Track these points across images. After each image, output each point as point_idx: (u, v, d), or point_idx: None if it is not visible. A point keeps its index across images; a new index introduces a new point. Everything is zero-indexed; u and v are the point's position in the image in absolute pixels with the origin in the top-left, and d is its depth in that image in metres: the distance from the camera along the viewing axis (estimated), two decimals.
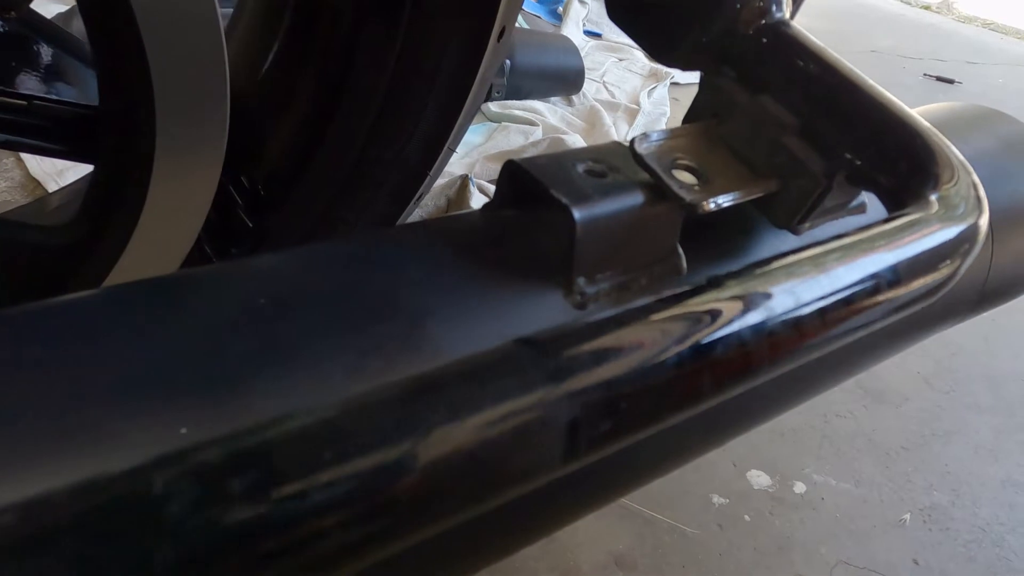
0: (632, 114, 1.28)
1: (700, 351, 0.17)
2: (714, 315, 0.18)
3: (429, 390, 0.13)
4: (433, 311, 0.20)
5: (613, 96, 1.34)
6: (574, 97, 1.25)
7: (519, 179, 0.23)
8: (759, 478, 0.60)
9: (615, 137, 1.13)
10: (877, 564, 0.54)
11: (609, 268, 0.22)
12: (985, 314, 0.41)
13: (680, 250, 0.23)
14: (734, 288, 0.18)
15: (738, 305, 0.18)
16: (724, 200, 0.23)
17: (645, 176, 0.23)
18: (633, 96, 1.35)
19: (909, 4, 2.68)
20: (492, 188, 0.91)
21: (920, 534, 0.57)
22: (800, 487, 0.59)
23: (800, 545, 0.54)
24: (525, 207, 0.24)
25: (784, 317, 0.17)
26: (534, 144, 1.01)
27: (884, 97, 0.22)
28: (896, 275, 0.17)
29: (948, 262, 0.18)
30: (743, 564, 0.52)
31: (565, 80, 1.18)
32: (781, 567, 0.53)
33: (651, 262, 0.23)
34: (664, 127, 1.23)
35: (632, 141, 0.23)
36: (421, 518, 0.12)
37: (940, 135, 0.21)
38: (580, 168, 0.23)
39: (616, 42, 1.54)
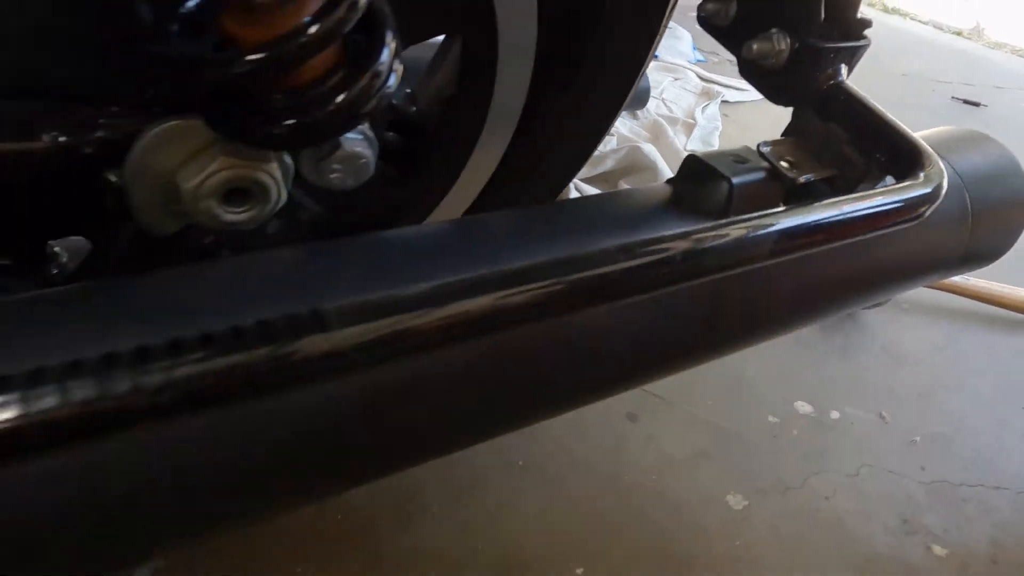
0: (689, 127, 1.48)
1: (779, 236, 0.36)
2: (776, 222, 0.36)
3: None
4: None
5: (671, 111, 1.54)
6: (638, 112, 1.44)
7: (696, 165, 0.43)
8: (804, 407, 0.78)
9: (678, 147, 1.32)
10: (892, 468, 0.72)
11: None
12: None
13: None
14: (799, 213, 0.37)
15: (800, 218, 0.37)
16: (806, 178, 0.43)
17: (765, 164, 0.43)
18: (689, 112, 1.55)
19: (941, 29, 2.84)
20: (584, 186, 1.11)
21: (927, 451, 0.75)
22: (835, 415, 0.78)
23: (834, 453, 0.73)
24: (697, 181, 0.43)
25: (824, 221, 0.36)
26: (613, 151, 1.21)
27: (897, 124, 0.41)
28: (899, 205, 0.36)
29: (926, 205, 0.37)
30: (792, 462, 0.71)
31: (634, 97, 1.37)
32: (821, 465, 0.71)
33: None
34: (716, 141, 1.41)
35: (759, 145, 0.43)
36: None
37: (925, 144, 0.40)
38: (730, 159, 0.43)
39: (672, 63, 1.74)
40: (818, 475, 0.70)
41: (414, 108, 0.50)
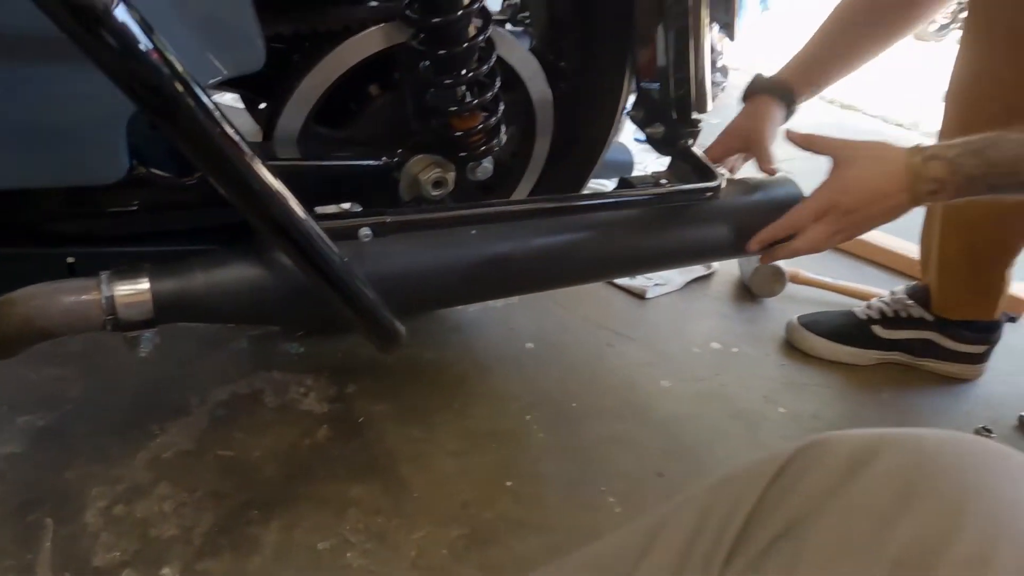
0: None
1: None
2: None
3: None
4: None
5: None
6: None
7: (626, 182, 0.97)
8: (715, 345, 1.28)
9: None
10: (766, 376, 1.21)
11: None
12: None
13: None
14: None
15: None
16: (672, 185, 0.96)
17: (652, 180, 0.96)
18: None
19: (887, 122, 3.44)
20: None
21: (788, 370, 1.24)
22: (735, 350, 1.28)
23: (731, 368, 1.22)
24: (627, 185, 0.96)
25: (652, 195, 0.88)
26: None
27: (708, 162, 0.93)
28: (692, 191, 0.88)
29: (709, 193, 0.89)
30: (703, 369, 1.20)
31: (622, 168, 1.93)
32: (723, 371, 1.20)
33: None
34: None
35: (652, 172, 0.97)
36: None
37: (716, 170, 0.92)
38: (648, 179, 0.97)
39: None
40: (718, 376, 1.20)
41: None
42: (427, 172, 0.84)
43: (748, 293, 1.47)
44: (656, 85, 0.94)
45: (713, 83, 3.15)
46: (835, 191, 0.82)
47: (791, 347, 1.31)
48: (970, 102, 1.05)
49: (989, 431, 0.93)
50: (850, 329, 1.27)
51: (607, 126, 1.03)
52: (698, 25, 0.91)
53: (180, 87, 0.46)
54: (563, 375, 1.13)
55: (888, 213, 0.82)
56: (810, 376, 1.24)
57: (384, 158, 0.83)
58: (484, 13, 0.72)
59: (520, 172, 0.98)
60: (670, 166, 1.00)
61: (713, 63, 3.33)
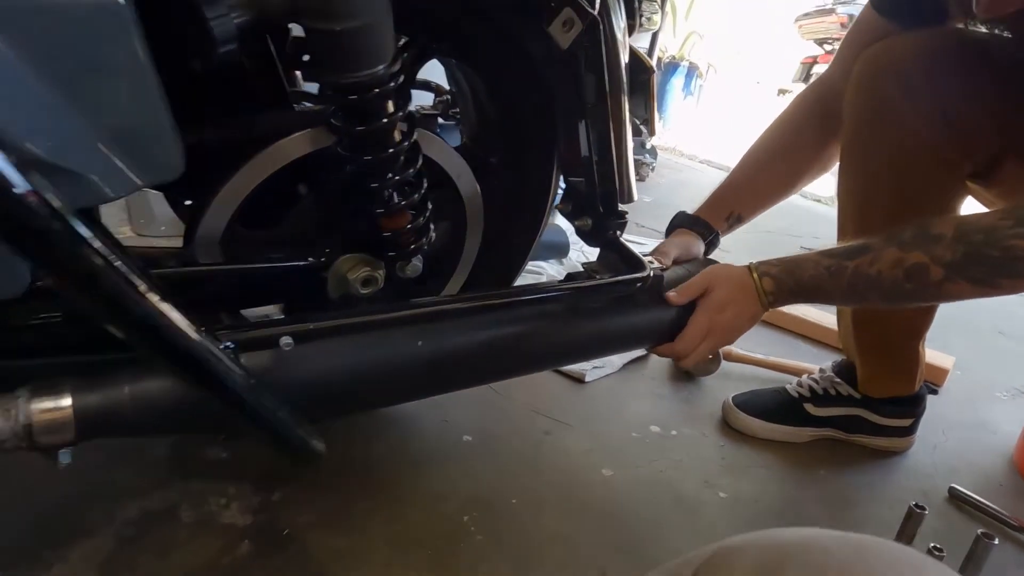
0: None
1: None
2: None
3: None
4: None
5: (587, 258, 2.13)
6: (563, 260, 2.03)
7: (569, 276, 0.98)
8: (655, 428, 1.28)
9: None
10: (703, 457, 1.21)
11: None
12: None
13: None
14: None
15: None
16: (600, 276, 0.97)
17: (583, 271, 0.97)
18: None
19: (805, 197, 3.65)
20: None
21: (729, 450, 1.25)
22: (674, 432, 1.28)
23: (670, 451, 1.22)
24: (568, 280, 0.97)
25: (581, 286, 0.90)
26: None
27: (636, 253, 0.96)
28: (621, 282, 0.90)
29: (639, 283, 0.90)
30: (644, 455, 1.20)
31: (559, 250, 1.97)
32: (660, 456, 1.20)
33: None
34: None
35: (582, 264, 0.98)
36: None
37: (644, 260, 0.94)
38: (580, 272, 0.98)
39: None
40: (657, 461, 1.19)
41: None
42: (356, 271, 0.83)
43: (684, 372, 1.49)
44: (582, 180, 0.97)
45: (643, 163, 3.30)
46: (712, 312, 0.94)
47: (728, 427, 1.32)
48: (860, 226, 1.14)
49: (923, 508, 0.94)
50: (783, 408, 1.29)
51: (536, 220, 1.05)
52: (619, 123, 0.95)
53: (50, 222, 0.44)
54: (502, 469, 1.10)
55: (750, 320, 0.95)
56: (748, 457, 1.24)
57: (311, 258, 0.81)
58: (409, 118, 0.74)
59: (452, 267, 0.98)
60: (599, 257, 1.01)
61: (642, 144, 3.49)
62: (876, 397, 1.26)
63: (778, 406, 1.30)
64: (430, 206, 0.81)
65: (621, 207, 0.99)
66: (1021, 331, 2.20)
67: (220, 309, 0.84)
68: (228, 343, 0.60)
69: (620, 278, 0.90)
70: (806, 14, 9.32)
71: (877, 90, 1.07)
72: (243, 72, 0.74)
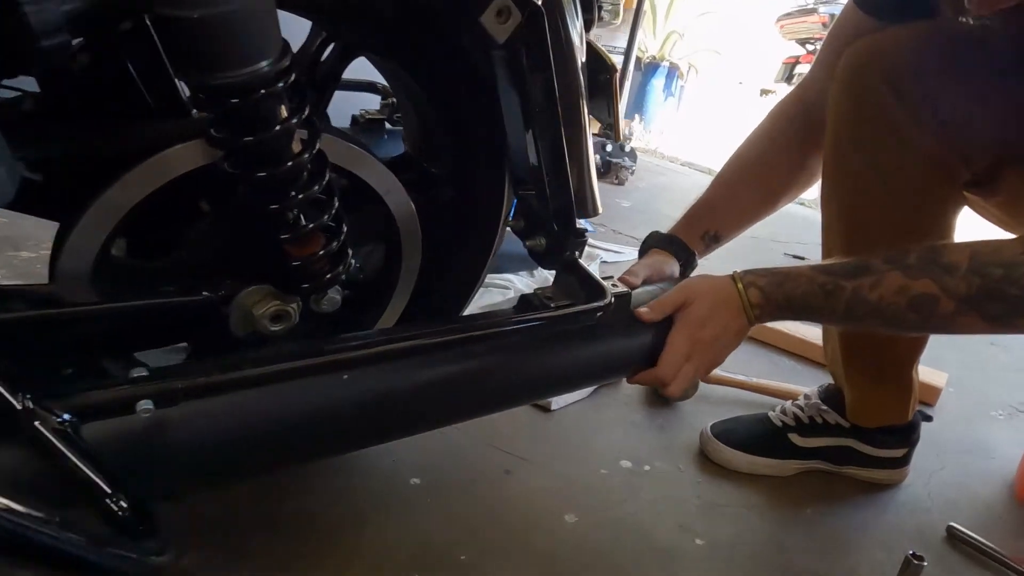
0: None
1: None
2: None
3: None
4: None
5: None
6: (534, 272, 1.91)
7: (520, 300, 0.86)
8: (626, 463, 1.16)
9: None
10: (678, 496, 1.10)
11: None
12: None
13: None
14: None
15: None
16: (556, 304, 0.85)
17: (536, 299, 0.85)
18: None
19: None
20: None
21: (706, 487, 1.13)
22: (647, 467, 1.16)
23: (642, 491, 1.10)
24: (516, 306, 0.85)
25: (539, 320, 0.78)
26: (507, 299, 1.65)
27: (595, 276, 0.84)
28: (581, 311, 0.78)
29: (599, 313, 0.79)
30: (613, 496, 1.08)
31: (526, 261, 1.85)
32: (631, 496, 1.08)
33: None
34: None
35: (535, 289, 0.86)
36: None
37: (606, 285, 0.82)
38: (535, 296, 0.86)
39: None
40: (628, 502, 1.07)
41: (361, 275, 0.92)
42: (262, 306, 0.71)
43: (659, 396, 1.38)
44: (533, 194, 0.85)
45: (622, 167, 3.17)
46: (693, 328, 0.83)
47: (706, 458, 1.21)
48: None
49: (921, 558, 0.83)
50: (767, 439, 1.18)
51: (488, 239, 0.93)
52: (575, 129, 0.83)
53: None
54: (454, 516, 0.97)
55: (737, 336, 0.85)
56: (728, 495, 1.13)
57: (205, 292, 0.69)
58: (309, 124, 0.61)
59: (386, 296, 0.86)
60: (556, 280, 0.90)
61: (622, 147, 3.36)
62: (867, 427, 1.15)
63: (761, 437, 1.18)
64: (345, 228, 0.69)
65: (581, 224, 0.87)
66: (1014, 342, 2.10)
67: (105, 354, 0.71)
68: (64, 415, 0.47)
69: (576, 308, 0.79)
70: (787, 14, 9.28)
71: (862, 87, 0.96)
72: (124, 74, 0.62)
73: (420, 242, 0.85)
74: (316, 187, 0.63)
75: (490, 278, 1.76)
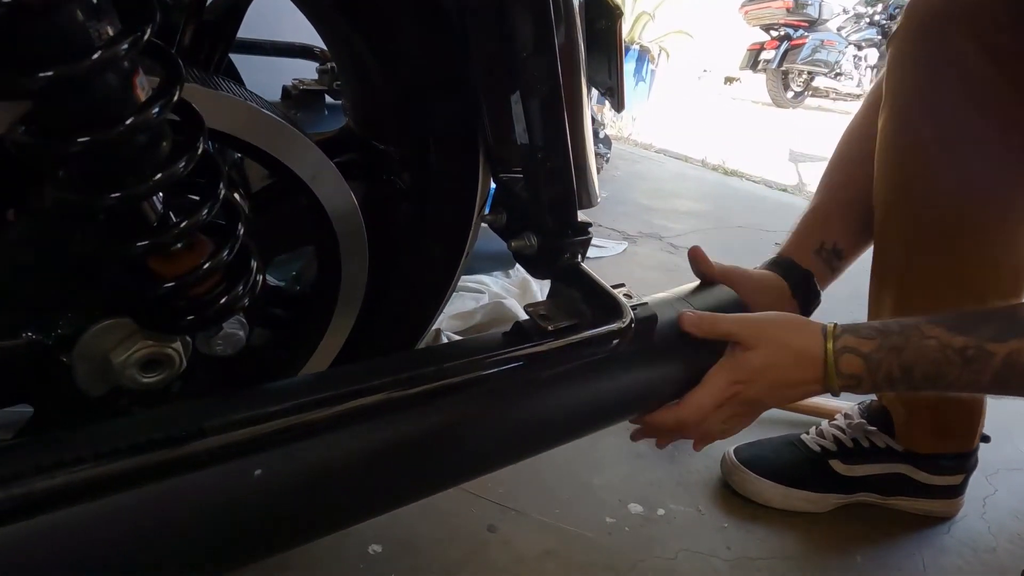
0: (547, 284, 1.73)
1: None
2: None
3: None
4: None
5: None
6: (510, 272, 1.69)
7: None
8: (636, 507, 0.95)
9: (541, 299, 1.56)
10: (703, 550, 0.89)
11: None
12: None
13: None
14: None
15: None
16: (554, 325, 0.62)
17: (527, 317, 0.62)
18: None
19: (770, 187, 3.40)
20: (457, 338, 1.30)
21: (734, 535, 0.92)
22: (661, 511, 0.95)
23: (658, 542, 0.89)
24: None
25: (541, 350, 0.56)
26: (483, 307, 1.43)
27: (607, 287, 0.62)
28: (594, 337, 0.56)
29: (616, 339, 0.57)
30: (623, 552, 0.86)
31: (502, 261, 1.63)
32: (647, 553, 0.87)
33: None
34: None
35: (525, 306, 0.63)
36: None
37: (623, 300, 0.61)
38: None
39: None
40: (644, 561, 0.86)
41: (299, 287, 0.69)
42: (124, 350, 0.47)
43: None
44: (520, 179, 0.63)
45: (598, 154, 2.94)
46: (739, 378, 0.65)
47: (729, 490, 1.01)
48: (911, 213, 0.82)
49: None
50: (804, 467, 0.98)
51: (459, 235, 0.70)
52: (576, 91, 0.61)
53: None
54: None
55: (795, 399, 0.69)
56: (760, 543, 0.92)
57: (29, 333, 0.45)
58: (165, 58, 0.38)
59: (320, 320, 0.63)
60: (552, 292, 0.68)
61: (595, 133, 3.14)
62: (923, 453, 0.95)
63: (796, 464, 0.98)
64: (242, 228, 0.46)
65: (583, 218, 0.65)
66: None
67: None
68: None
69: (584, 335, 0.57)
70: (751, 0, 9.18)
71: (929, 40, 0.76)
72: None
73: (365, 243, 0.62)
74: (182, 164, 0.39)
75: (464, 282, 1.54)
